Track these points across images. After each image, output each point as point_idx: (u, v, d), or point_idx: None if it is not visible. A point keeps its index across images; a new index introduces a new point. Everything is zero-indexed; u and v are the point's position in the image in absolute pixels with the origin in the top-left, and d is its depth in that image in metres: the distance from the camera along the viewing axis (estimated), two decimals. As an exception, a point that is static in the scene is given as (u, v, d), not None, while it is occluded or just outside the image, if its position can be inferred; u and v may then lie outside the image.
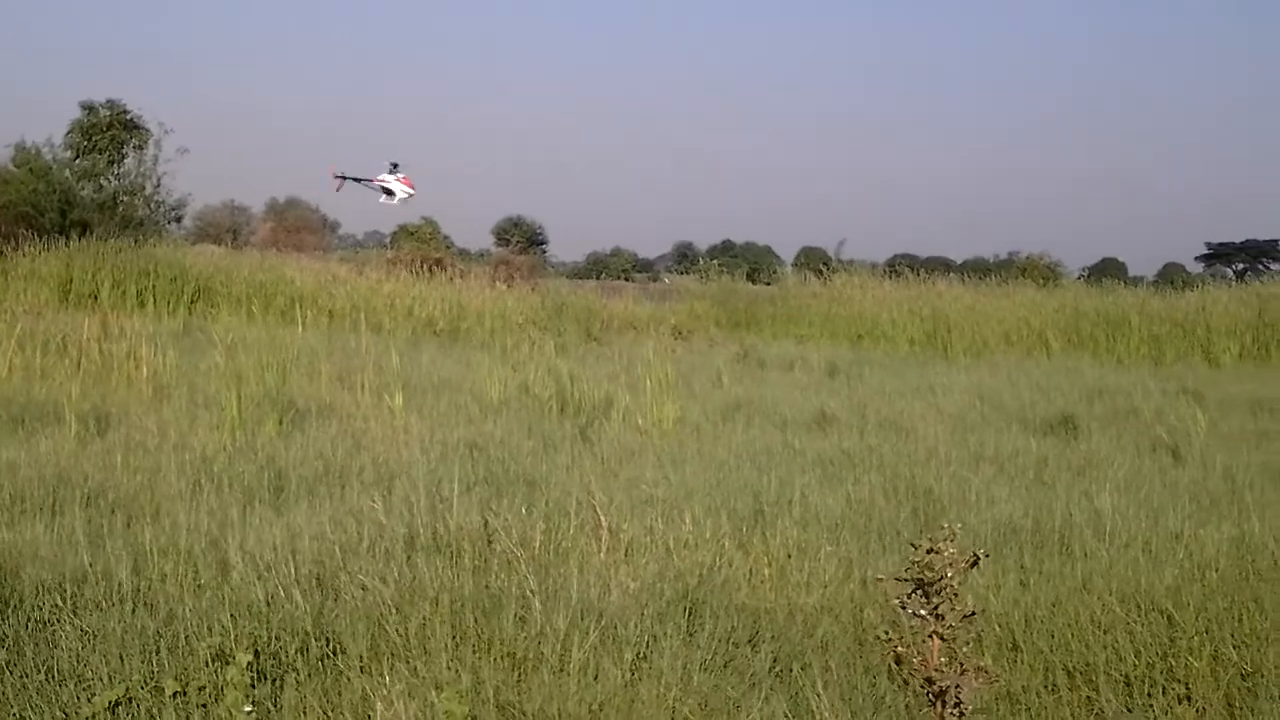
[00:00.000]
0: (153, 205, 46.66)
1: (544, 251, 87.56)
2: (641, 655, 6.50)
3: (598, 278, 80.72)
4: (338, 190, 57.17)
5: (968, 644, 5.21)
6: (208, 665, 6.15)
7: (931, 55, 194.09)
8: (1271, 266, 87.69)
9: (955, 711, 5.03)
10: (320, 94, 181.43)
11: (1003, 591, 7.70)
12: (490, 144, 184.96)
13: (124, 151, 45.89)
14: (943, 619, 5.10)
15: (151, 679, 6.13)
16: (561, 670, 6.31)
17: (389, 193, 56.31)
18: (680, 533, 8.84)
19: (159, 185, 46.28)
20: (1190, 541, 8.82)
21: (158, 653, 6.33)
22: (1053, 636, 6.99)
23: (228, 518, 8.98)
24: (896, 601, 5.26)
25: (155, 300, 32.82)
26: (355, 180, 56.82)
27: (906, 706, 6.00)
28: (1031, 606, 7.37)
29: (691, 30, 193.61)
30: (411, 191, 56.25)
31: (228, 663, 5.95)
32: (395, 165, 56.78)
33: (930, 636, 5.13)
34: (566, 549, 8.45)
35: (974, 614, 5.22)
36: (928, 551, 5.06)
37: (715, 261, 48.70)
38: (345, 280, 35.65)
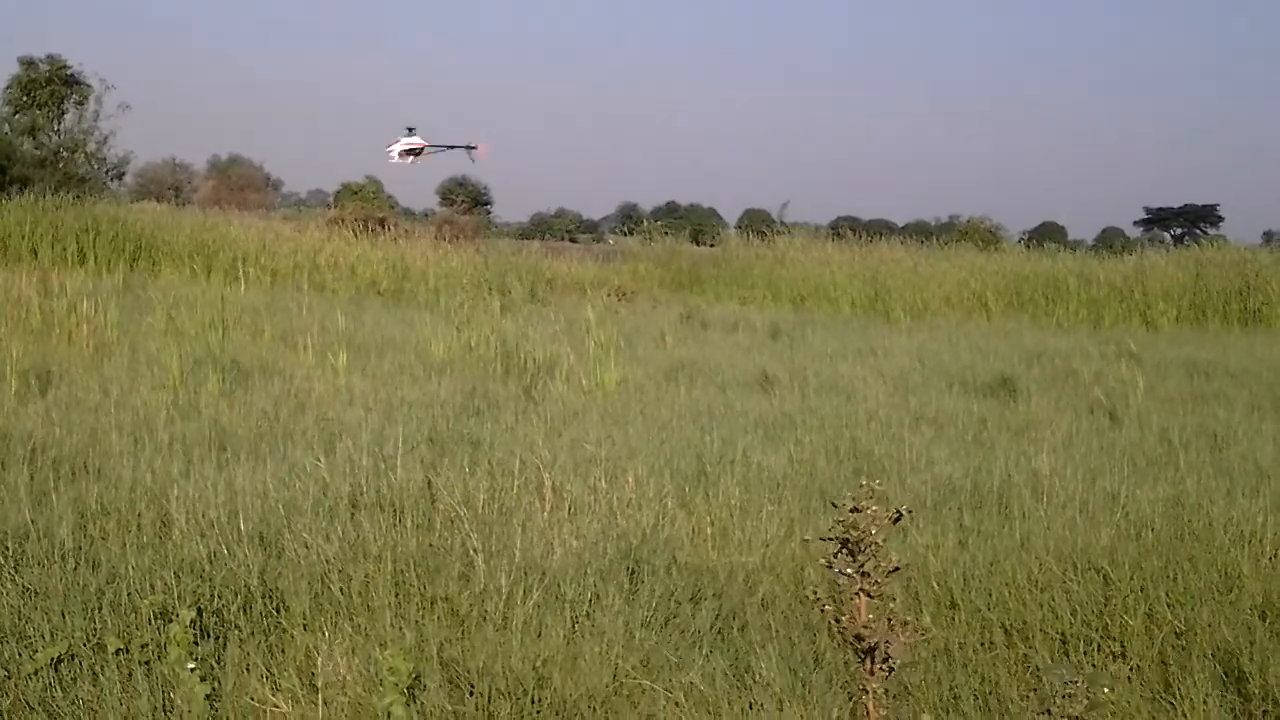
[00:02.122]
0: (94, 162, 46.22)
1: (488, 212, 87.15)
2: (584, 613, 6.55)
3: (542, 238, 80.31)
4: (408, 160, 57.34)
5: (895, 600, 5.28)
6: (150, 623, 6.16)
7: (874, 21, 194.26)
8: (1209, 231, 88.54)
9: (885, 667, 5.10)
10: (263, 51, 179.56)
11: (942, 551, 7.78)
12: (434, 104, 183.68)
13: (64, 108, 45.41)
14: (868, 576, 5.16)
15: (94, 636, 6.13)
16: (505, 628, 6.35)
17: (470, 148, 57.12)
18: (623, 492, 8.89)
19: (103, 142, 45.84)
20: (1126, 502, 8.91)
21: (100, 610, 6.33)
22: (990, 595, 7.08)
23: (170, 476, 8.95)
24: (824, 561, 5.32)
25: (96, 258, 32.45)
26: (417, 152, 57.26)
27: (845, 664, 6.08)
28: (970, 566, 7.45)
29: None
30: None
31: (170, 620, 5.96)
32: (411, 129, 57.39)
33: (857, 594, 5.19)
34: (510, 508, 8.48)
35: (898, 569, 5.28)
36: (851, 510, 5.12)
37: (659, 223, 48.57)
38: (288, 239, 35.37)
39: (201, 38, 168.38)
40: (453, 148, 58.88)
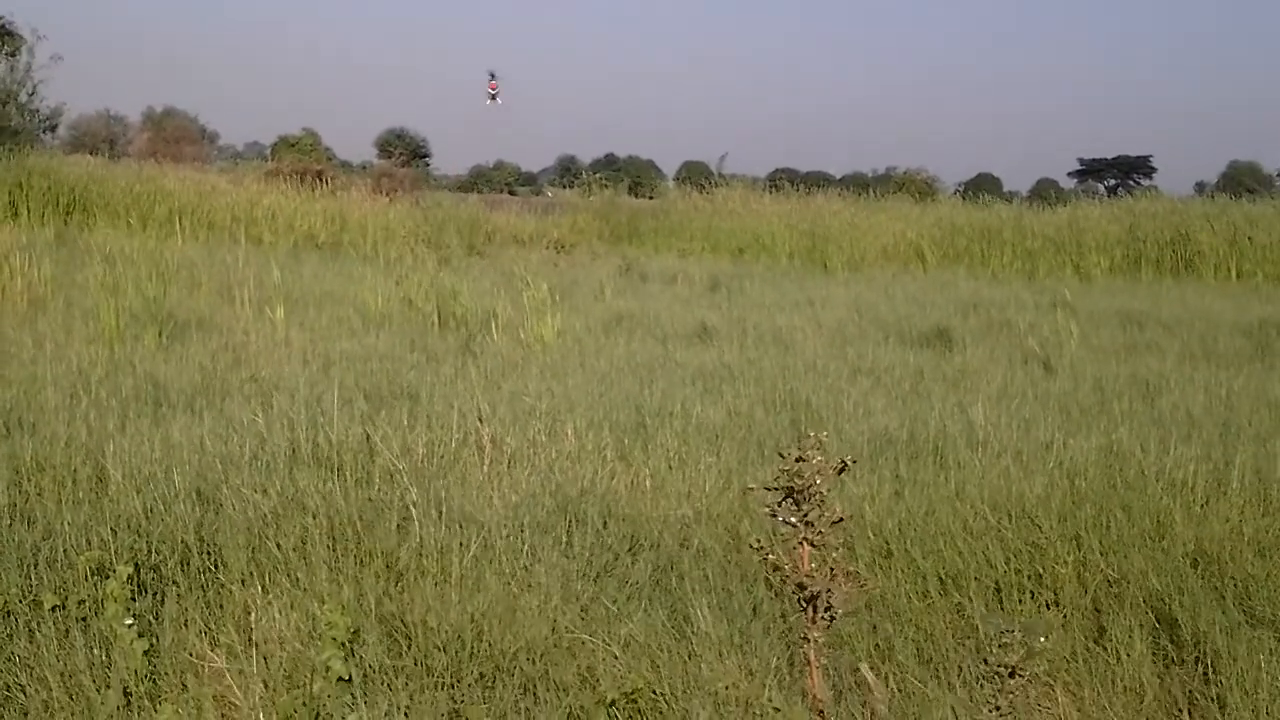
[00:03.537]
0: (26, 114, 45.49)
1: (427, 164, 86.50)
2: (523, 566, 6.58)
3: (481, 191, 79.97)
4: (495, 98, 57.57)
5: (837, 550, 5.32)
6: (87, 579, 6.13)
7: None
8: (1142, 182, 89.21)
9: (826, 616, 5.15)
10: (198, 3, 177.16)
11: (878, 501, 7.83)
12: (372, 55, 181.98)
13: (-6, 58, 44.64)
14: (812, 525, 5.19)
15: (30, 593, 6.10)
16: (443, 581, 6.36)
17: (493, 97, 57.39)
18: (562, 445, 8.92)
19: (33, 93, 45.14)
20: (1060, 451, 8.99)
21: (36, 566, 6.29)
22: (925, 544, 7.12)
23: (106, 431, 8.89)
24: (767, 510, 5.34)
25: (29, 211, 32.04)
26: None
27: (783, 614, 6.13)
28: (905, 515, 7.50)
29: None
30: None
31: (107, 576, 5.94)
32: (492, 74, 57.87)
33: (801, 543, 5.23)
34: (449, 461, 8.50)
35: (842, 520, 5.32)
36: (796, 460, 5.15)
37: (598, 175, 48.49)
38: (225, 192, 35.00)
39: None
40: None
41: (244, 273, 17.95)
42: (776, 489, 5.26)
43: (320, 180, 38.62)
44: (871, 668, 5.78)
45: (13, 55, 44.79)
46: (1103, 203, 40.14)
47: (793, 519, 5.22)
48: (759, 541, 5.49)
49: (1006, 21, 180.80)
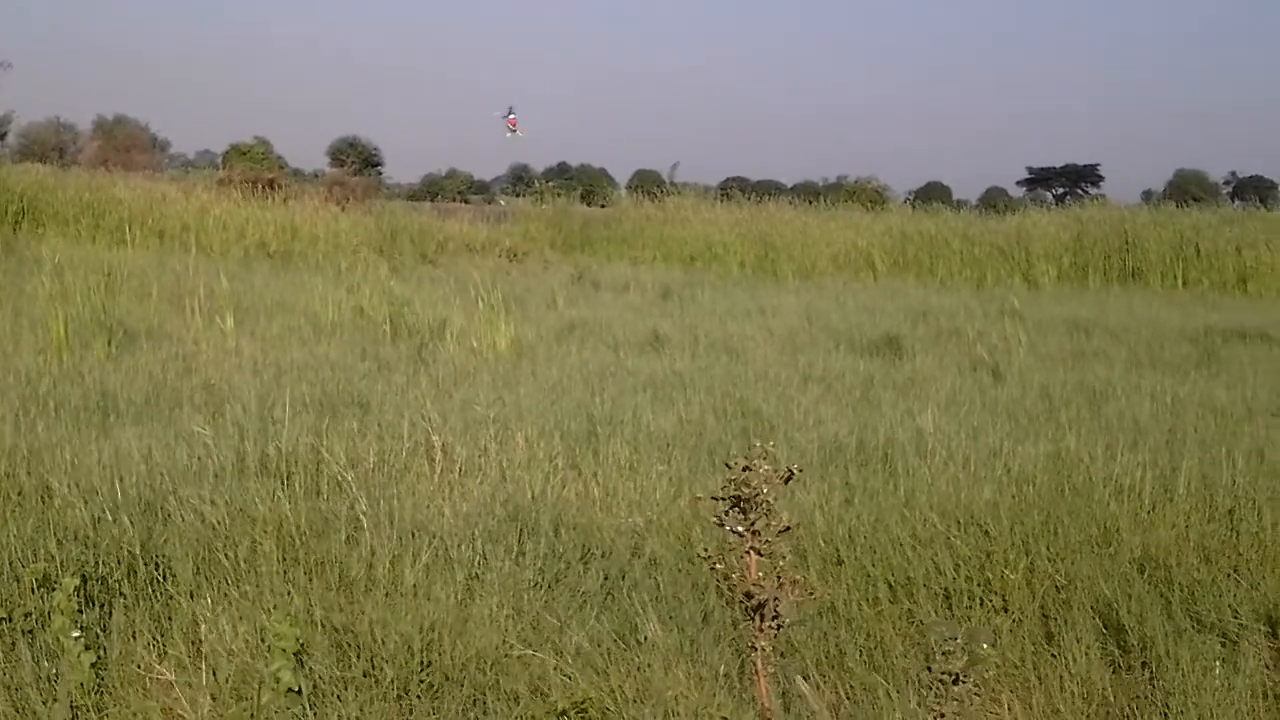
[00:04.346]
0: (-27, 123, 45.14)
1: (379, 173, 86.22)
2: (473, 575, 6.58)
3: (434, 200, 79.73)
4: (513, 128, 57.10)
5: (785, 558, 5.33)
6: (33, 591, 6.09)
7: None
8: (1090, 190, 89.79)
9: (774, 624, 5.16)
10: (147, 8, 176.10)
11: (828, 509, 7.86)
12: (323, 61, 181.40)
13: (-60, 66, 44.27)
14: (759, 534, 5.21)
15: (-24, 606, 6.05)
16: (394, 592, 6.35)
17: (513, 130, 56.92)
18: (513, 454, 8.92)
19: (-20, 101, 44.80)
20: (1008, 458, 9.05)
21: (-18, 579, 6.25)
22: (875, 551, 7.15)
23: (53, 441, 8.83)
24: (715, 519, 5.36)
25: (-24, 220, 31.79)
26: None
27: (734, 622, 6.15)
28: (855, 523, 7.53)
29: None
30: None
31: (53, 589, 5.90)
32: (511, 109, 57.27)
33: (748, 552, 5.24)
34: (399, 471, 8.49)
35: (789, 528, 5.33)
36: (743, 469, 5.17)
37: (551, 184, 48.55)
38: (176, 200, 34.77)
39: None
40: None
41: (194, 281, 17.85)
42: (724, 498, 5.27)
43: (272, 189, 38.40)
44: (822, 675, 5.81)
45: (-41, 64, 44.44)
46: (1051, 211, 40.52)
47: (740, 528, 5.23)
48: (707, 550, 5.51)
49: (953, 30, 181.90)
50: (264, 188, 38.37)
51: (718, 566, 5.33)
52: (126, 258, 22.77)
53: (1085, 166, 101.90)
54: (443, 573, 6.54)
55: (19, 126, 61.74)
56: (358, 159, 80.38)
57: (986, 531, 7.36)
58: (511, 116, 56.48)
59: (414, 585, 6.39)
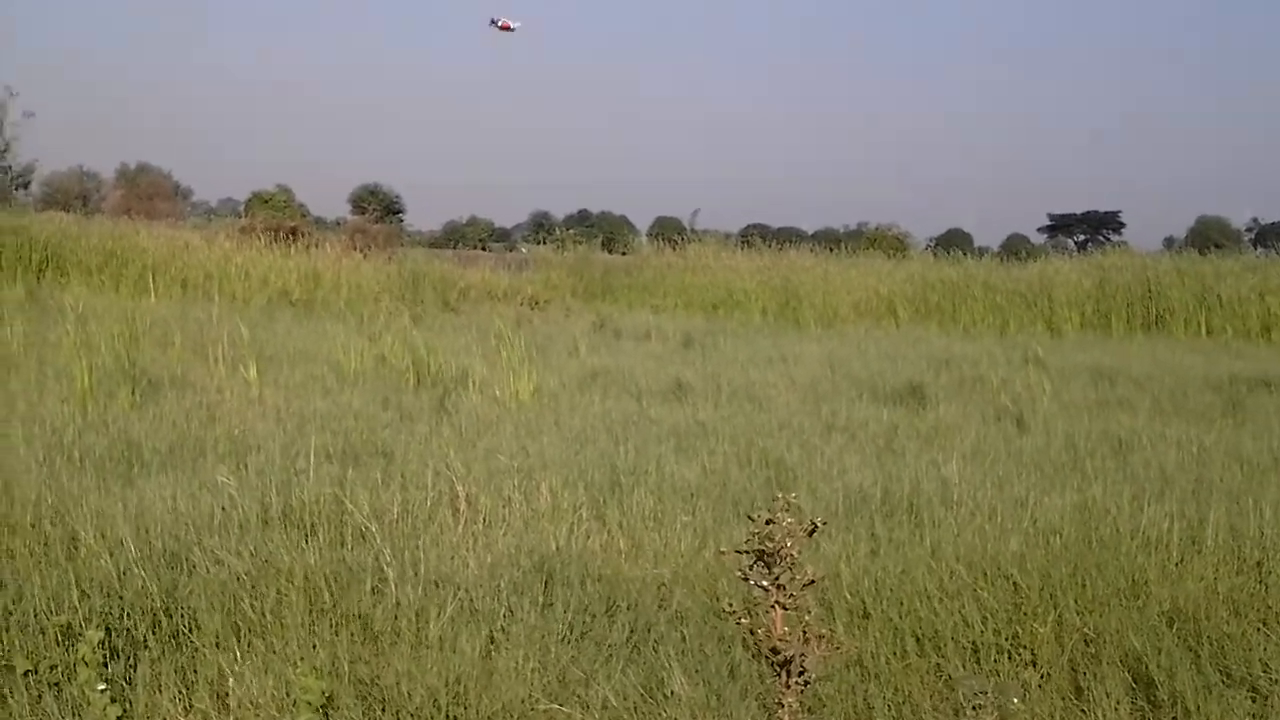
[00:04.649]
0: (-1, 171, 45.51)
1: (401, 220, 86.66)
2: (499, 627, 6.55)
3: (455, 247, 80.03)
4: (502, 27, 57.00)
5: (810, 612, 5.30)
6: (59, 643, 6.09)
7: (778, 26, 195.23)
8: (1111, 238, 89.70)
9: (801, 680, 5.13)
10: (171, 59, 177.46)
11: (854, 560, 7.82)
12: (346, 111, 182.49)
13: (-34, 116, 44.64)
14: (784, 589, 5.18)
15: (2, 658, 6.05)
16: (419, 644, 6.34)
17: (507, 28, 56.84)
18: (537, 504, 8.90)
19: (6, 150, 45.14)
20: (1035, 509, 9.01)
21: (8, 630, 6.25)
22: (902, 604, 7.11)
23: (78, 492, 8.84)
24: (739, 574, 5.34)
25: (1, 269, 31.96)
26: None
27: (760, 676, 6.11)
28: (881, 575, 7.48)
29: (544, 2, 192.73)
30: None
31: (77, 641, 5.89)
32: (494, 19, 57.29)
33: (773, 607, 5.22)
34: (423, 521, 8.47)
35: (813, 582, 5.31)
36: (766, 523, 5.15)
37: (571, 231, 48.72)
38: (199, 249, 34.92)
39: (107, 44, 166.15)
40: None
41: (217, 330, 17.89)
42: (748, 552, 5.25)
43: (294, 237, 38.55)
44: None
45: (-17, 113, 44.82)
46: (1073, 258, 40.42)
47: (764, 583, 5.20)
48: (731, 605, 5.48)
49: (972, 78, 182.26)
50: (286, 236, 38.53)
51: (743, 621, 5.30)
52: (150, 306, 22.85)
53: (1107, 213, 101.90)
54: (468, 625, 6.52)
55: (43, 175, 62.15)
56: (379, 206, 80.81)
57: (1014, 584, 7.31)
58: (503, 21, 56.25)
59: (439, 637, 6.37)
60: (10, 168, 45.41)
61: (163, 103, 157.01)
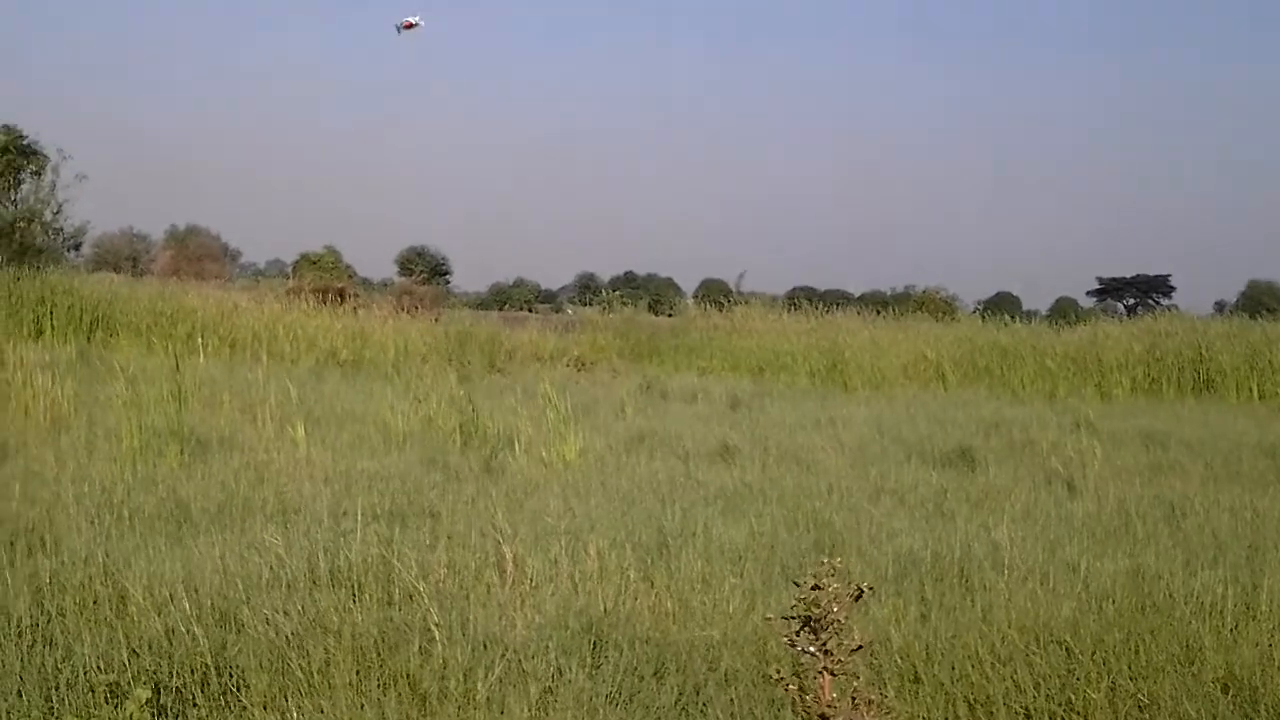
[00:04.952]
0: (51, 232, 45.90)
1: (447, 282, 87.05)
2: (547, 689, 6.52)
3: (501, 308, 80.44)
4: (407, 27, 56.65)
5: (859, 677, 5.26)
6: (108, 701, 6.09)
7: (826, 92, 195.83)
8: (1161, 301, 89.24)
9: (850, 745, 5.08)
10: (222, 122, 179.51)
11: (904, 624, 7.77)
12: (393, 173, 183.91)
13: (21, 177, 45.11)
14: (831, 654, 5.15)
15: (51, 715, 6.06)
16: (467, 705, 6.31)
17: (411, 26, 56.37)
18: (585, 565, 8.87)
19: (59, 212, 45.58)
20: (1087, 573, 8.95)
21: (57, 689, 6.26)
22: (953, 669, 7.06)
23: (127, 550, 8.88)
24: (786, 639, 5.30)
25: (53, 329, 32.31)
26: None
27: (810, 741, 6.06)
28: (932, 639, 7.44)
29: (589, 63, 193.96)
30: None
31: (125, 699, 5.89)
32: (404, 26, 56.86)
33: (821, 672, 5.18)
34: (470, 582, 8.46)
35: (861, 648, 5.27)
36: (812, 588, 5.12)
37: (617, 293, 48.89)
38: (247, 309, 35.24)
39: (158, 108, 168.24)
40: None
41: (265, 390, 18.02)
42: (794, 618, 5.22)
43: (341, 298, 38.85)
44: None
45: (38, 174, 45.27)
46: (1122, 322, 40.18)
47: (811, 648, 5.17)
48: (779, 671, 5.44)
49: (1018, 141, 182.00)
50: (334, 297, 38.82)
51: (790, 687, 5.26)
52: (198, 367, 22.98)
53: (1156, 277, 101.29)
54: (516, 686, 6.50)
55: (94, 237, 62.68)
56: (426, 268, 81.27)
57: (1067, 649, 7.24)
58: (405, 21, 55.83)
59: (487, 698, 6.35)
60: (62, 230, 45.78)
61: (213, 166, 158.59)
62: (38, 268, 36.59)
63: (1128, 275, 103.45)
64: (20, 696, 6.18)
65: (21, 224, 44.35)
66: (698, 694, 6.71)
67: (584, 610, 7.87)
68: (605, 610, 7.90)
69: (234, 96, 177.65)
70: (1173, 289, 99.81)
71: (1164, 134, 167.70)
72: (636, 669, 6.90)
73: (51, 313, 32.92)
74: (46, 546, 9.18)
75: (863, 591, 5.28)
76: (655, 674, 6.94)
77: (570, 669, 6.73)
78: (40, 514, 10.26)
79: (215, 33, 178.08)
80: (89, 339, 31.93)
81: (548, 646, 6.99)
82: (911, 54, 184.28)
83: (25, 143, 45.21)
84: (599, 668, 6.83)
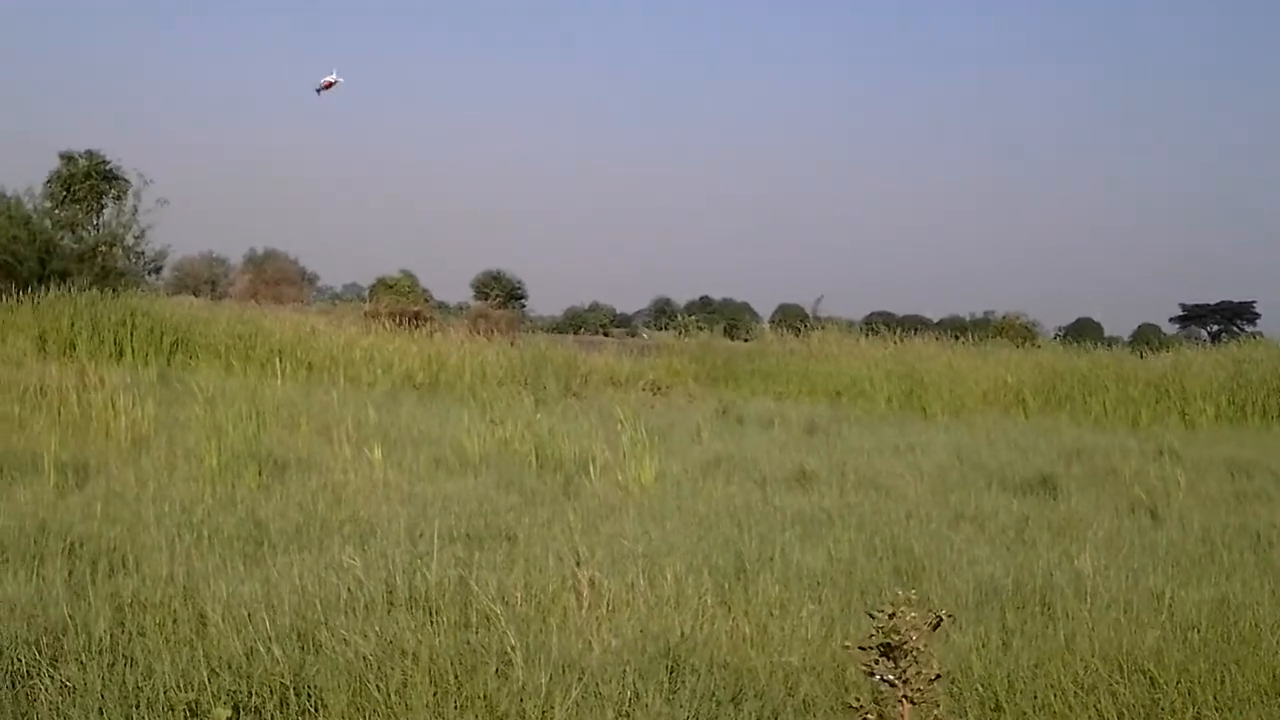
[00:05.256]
0: (132, 256, 46.62)
1: (523, 306, 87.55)
2: (623, 712, 6.48)
3: (576, 332, 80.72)
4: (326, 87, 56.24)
5: (939, 705, 5.19)
6: (186, 720, 6.11)
7: (906, 113, 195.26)
8: (1245, 328, 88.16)
9: (931, 776, 5.02)
10: (302, 144, 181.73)
11: (985, 652, 7.68)
12: (471, 196, 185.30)
13: (103, 202, 45.87)
14: (910, 683, 5.10)
15: (132, 734, 6.08)
16: (544, 728, 6.28)
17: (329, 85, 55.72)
18: (662, 589, 8.83)
19: (140, 236, 46.27)
20: (1171, 603, 8.82)
21: (137, 707, 6.29)
22: (1035, 698, 6.97)
23: (207, 570, 8.94)
24: (864, 668, 5.25)
25: (133, 351, 32.78)
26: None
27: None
28: (1014, 667, 7.35)
29: (670, 89, 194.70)
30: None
31: (205, 717, 5.91)
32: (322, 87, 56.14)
33: (900, 700, 5.13)
34: (547, 605, 8.44)
35: (939, 676, 5.21)
36: (890, 617, 5.07)
37: (693, 317, 48.86)
38: (324, 333, 35.57)
39: (238, 134, 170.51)
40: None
41: (342, 413, 18.14)
42: (872, 647, 5.18)
43: (418, 321, 39.11)
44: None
45: (119, 199, 46.01)
46: (1206, 349, 39.68)
47: (890, 677, 5.12)
48: (858, 700, 5.38)
49: (1099, 173, 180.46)
50: (410, 320, 39.08)
51: (869, 716, 5.21)
52: (276, 389, 23.17)
53: (1240, 303, 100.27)
54: (593, 710, 6.46)
55: (174, 260, 63.53)
56: (502, 292, 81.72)
57: (1151, 679, 7.14)
58: (324, 81, 55.15)
59: (565, 721, 6.31)
60: (143, 253, 46.44)
61: (291, 190, 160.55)
62: (119, 291, 37.14)
63: (1211, 302, 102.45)
64: (101, 715, 6.21)
65: (104, 248, 45.09)
66: (776, 719, 6.65)
67: (661, 634, 7.82)
68: (682, 635, 7.85)
69: (312, 122, 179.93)
70: (1257, 315, 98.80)
71: (1247, 161, 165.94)
72: (713, 694, 6.84)
73: (132, 335, 33.41)
74: (128, 566, 9.26)
75: (941, 620, 5.22)
76: (732, 699, 6.88)
77: (647, 693, 6.68)
78: (121, 534, 10.35)
79: (295, 59, 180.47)
80: (169, 361, 32.36)
81: (624, 670, 6.95)
82: (993, 78, 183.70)
83: (108, 168, 45.99)
84: (676, 692, 6.78)
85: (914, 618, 5.10)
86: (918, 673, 5.11)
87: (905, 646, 5.09)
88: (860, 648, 5.28)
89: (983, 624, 8.33)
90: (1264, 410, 31.32)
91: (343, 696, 6.48)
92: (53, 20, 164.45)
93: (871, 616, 5.23)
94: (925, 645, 5.12)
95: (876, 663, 5.19)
